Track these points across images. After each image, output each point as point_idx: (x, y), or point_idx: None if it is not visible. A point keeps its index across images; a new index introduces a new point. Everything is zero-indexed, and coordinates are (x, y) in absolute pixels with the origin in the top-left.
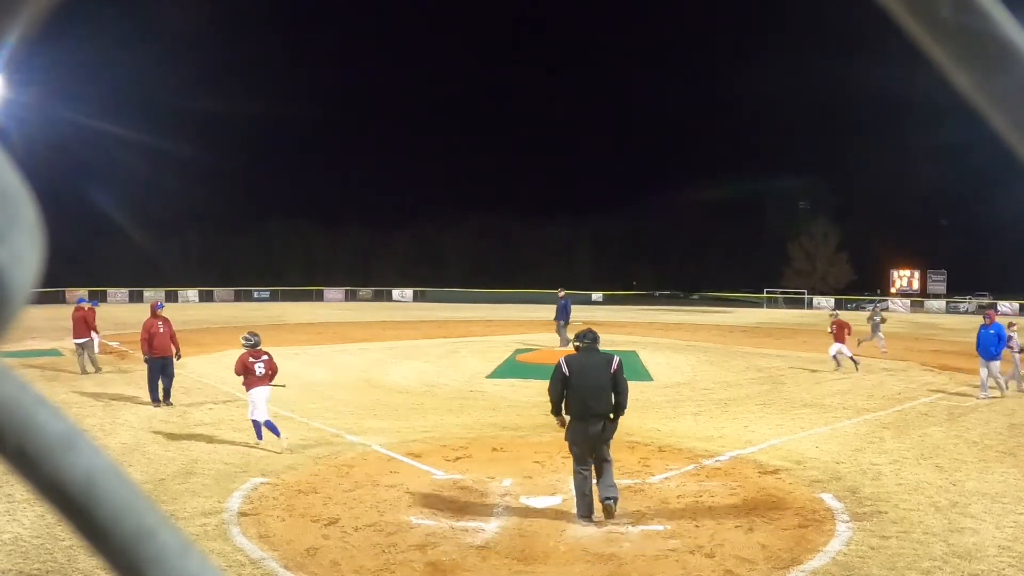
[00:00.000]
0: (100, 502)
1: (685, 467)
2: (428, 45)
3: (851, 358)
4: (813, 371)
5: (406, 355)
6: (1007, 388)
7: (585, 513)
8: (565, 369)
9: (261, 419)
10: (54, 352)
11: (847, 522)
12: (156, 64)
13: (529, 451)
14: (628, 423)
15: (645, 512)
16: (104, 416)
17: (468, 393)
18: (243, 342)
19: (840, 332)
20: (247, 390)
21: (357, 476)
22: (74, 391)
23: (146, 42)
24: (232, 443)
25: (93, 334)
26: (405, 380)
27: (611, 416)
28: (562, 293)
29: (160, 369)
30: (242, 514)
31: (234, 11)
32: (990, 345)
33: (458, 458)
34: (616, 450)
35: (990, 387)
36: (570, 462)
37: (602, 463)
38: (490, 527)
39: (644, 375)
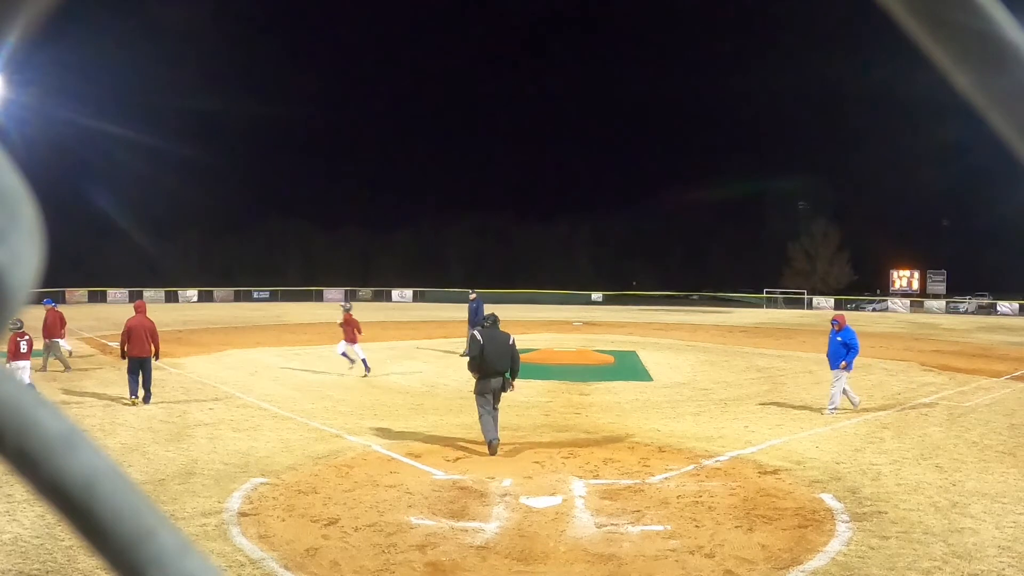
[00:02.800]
0: (100, 502)
1: (685, 467)
2: (428, 45)
3: (363, 361)
4: (813, 371)
5: (406, 355)
6: (837, 403)
7: (491, 437)
8: (480, 338)
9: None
10: None
11: (847, 522)
12: (156, 64)
13: (529, 451)
14: (628, 423)
15: (645, 512)
16: (104, 416)
17: (468, 393)
18: (11, 327)
19: (350, 329)
20: (9, 361)
21: (357, 476)
22: (74, 391)
23: (146, 42)
24: (232, 443)
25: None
26: (405, 380)
27: (507, 375)
28: (473, 295)
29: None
30: (242, 514)
31: (234, 11)
32: (836, 354)
33: (458, 458)
34: (616, 450)
35: (841, 400)
36: (571, 462)
37: (495, 412)
38: (490, 527)
39: (644, 375)
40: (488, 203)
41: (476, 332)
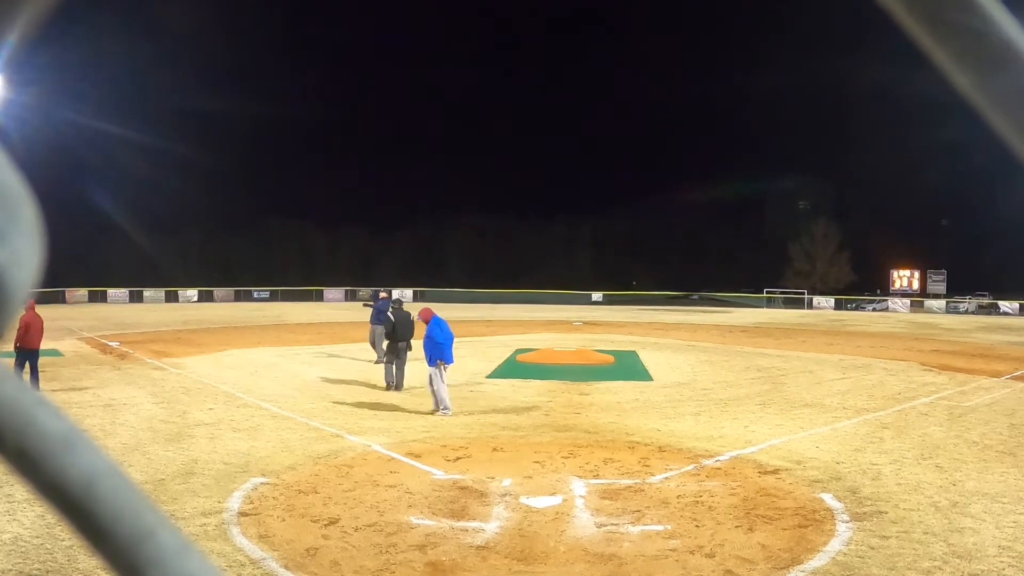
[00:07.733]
0: (100, 502)
1: (685, 467)
2: (427, 45)
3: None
4: (813, 371)
5: None
6: (444, 408)
7: (392, 384)
8: (391, 317)
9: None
10: (54, 352)
11: (847, 522)
12: (156, 64)
13: (529, 451)
14: (628, 423)
15: (645, 512)
16: (104, 416)
17: (468, 393)
18: None
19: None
20: None
21: (357, 476)
22: (74, 391)
23: (146, 42)
24: (232, 443)
25: None
26: (405, 380)
27: (409, 342)
28: (383, 294)
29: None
30: (242, 514)
31: (234, 11)
32: (426, 350)
33: (458, 458)
34: (616, 450)
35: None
36: (570, 462)
37: (402, 365)
38: (490, 527)
39: (644, 375)
40: (488, 203)
41: (389, 313)
